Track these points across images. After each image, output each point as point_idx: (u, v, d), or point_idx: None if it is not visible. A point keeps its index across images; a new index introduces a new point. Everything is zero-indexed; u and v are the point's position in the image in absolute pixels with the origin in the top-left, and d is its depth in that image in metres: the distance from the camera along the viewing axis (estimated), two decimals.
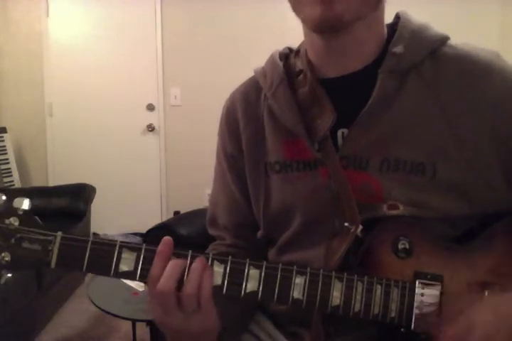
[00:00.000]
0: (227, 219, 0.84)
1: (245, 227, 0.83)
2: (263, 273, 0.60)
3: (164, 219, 3.51)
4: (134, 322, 2.02)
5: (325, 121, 0.69)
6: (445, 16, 3.09)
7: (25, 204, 0.60)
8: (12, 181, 3.42)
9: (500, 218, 0.67)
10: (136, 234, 3.61)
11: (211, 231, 0.88)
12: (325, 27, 0.63)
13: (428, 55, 0.68)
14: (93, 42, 3.65)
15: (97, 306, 1.81)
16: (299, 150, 0.73)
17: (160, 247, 0.60)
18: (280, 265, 0.61)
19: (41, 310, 2.33)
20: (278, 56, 0.78)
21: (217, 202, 0.86)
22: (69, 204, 2.73)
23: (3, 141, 3.42)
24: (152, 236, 1.82)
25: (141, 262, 0.60)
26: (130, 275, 0.60)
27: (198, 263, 0.59)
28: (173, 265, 0.59)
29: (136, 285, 1.95)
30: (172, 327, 0.62)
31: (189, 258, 0.60)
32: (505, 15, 3.46)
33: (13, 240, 0.59)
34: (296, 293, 0.60)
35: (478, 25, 3.39)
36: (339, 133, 0.71)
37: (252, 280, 0.60)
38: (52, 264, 0.59)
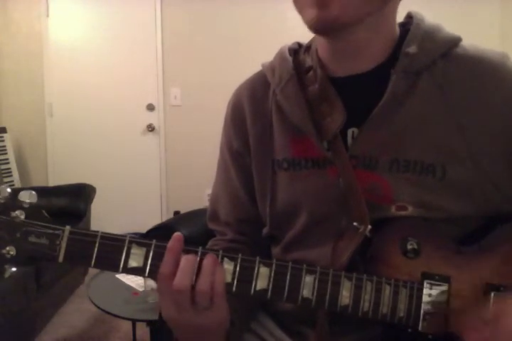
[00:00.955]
0: (229, 215, 0.83)
1: (247, 223, 0.82)
2: (273, 271, 0.59)
3: (164, 219, 3.52)
4: (134, 322, 2.02)
5: (335, 120, 0.69)
6: (445, 16, 3.09)
7: (32, 197, 0.59)
8: (12, 181, 3.42)
9: (507, 219, 0.67)
10: (136, 234, 3.61)
11: (211, 226, 0.87)
12: (321, 29, 0.63)
13: (440, 55, 0.68)
14: (93, 42, 3.65)
15: (97, 306, 1.81)
16: (307, 148, 0.72)
17: (171, 243, 0.58)
18: (290, 263, 0.60)
19: (41, 310, 2.33)
20: (287, 51, 0.77)
21: (219, 198, 0.85)
22: (69, 204, 2.73)
23: (3, 141, 3.42)
24: (152, 236, 1.82)
25: (150, 258, 0.58)
26: (139, 271, 0.58)
27: (209, 260, 0.58)
28: (187, 261, 0.58)
29: (136, 285, 1.96)
30: (183, 323, 0.61)
31: (199, 255, 0.59)
32: (505, 15, 3.46)
33: (18, 234, 0.57)
34: (306, 292, 0.60)
35: (478, 25, 3.39)
36: (349, 132, 0.70)
37: (262, 278, 0.59)
38: (60, 259, 0.58)
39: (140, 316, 1.77)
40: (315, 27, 0.63)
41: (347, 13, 0.61)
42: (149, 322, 1.80)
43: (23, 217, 0.58)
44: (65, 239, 0.58)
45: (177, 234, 0.59)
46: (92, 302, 1.83)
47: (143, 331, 2.08)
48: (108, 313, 1.78)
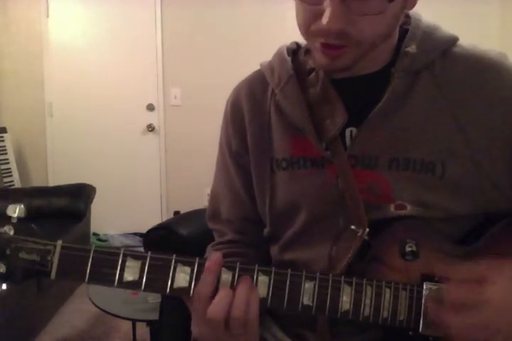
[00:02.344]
0: (230, 213, 0.83)
1: (248, 222, 0.82)
2: (272, 280, 0.59)
3: (164, 219, 3.51)
4: (134, 322, 2.02)
5: (335, 122, 0.69)
6: (444, 16, 3.09)
7: (20, 211, 0.56)
8: (12, 181, 3.42)
9: (504, 218, 0.67)
10: (136, 234, 3.61)
11: (211, 225, 0.87)
12: (332, 72, 0.68)
13: (439, 54, 0.69)
14: (93, 42, 3.65)
15: (97, 306, 1.81)
16: (306, 148, 0.72)
17: (210, 264, 0.57)
18: (289, 270, 0.59)
19: (41, 310, 2.33)
20: (286, 51, 0.77)
21: (220, 196, 0.84)
22: (69, 204, 2.72)
23: (3, 141, 3.42)
24: (152, 236, 1.82)
25: (146, 271, 0.57)
26: (135, 285, 0.57)
27: (244, 285, 0.57)
28: (224, 294, 0.56)
29: None
30: None
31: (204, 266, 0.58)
32: (505, 15, 3.46)
33: (8, 250, 0.55)
34: (306, 299, 0.59)
35: (478, 25, 3.39)
36: (347, 132, 0.70)
37: (262, 287, 0.58)
38: (52, 275, 0.56)
39: (140, 316, 1.77)
40: (326, 70, 0.67)
41: (354, 60, 0.64)
42: (149, 322, 1.81)
43: (12, 232, 0.56)
44: (56, 254, 0.56)
45: (217, 255, 0.58)
46: (92, 302, 1.83)
47: (143, 331, 2.08)
48: (108, 313, 1.79)
